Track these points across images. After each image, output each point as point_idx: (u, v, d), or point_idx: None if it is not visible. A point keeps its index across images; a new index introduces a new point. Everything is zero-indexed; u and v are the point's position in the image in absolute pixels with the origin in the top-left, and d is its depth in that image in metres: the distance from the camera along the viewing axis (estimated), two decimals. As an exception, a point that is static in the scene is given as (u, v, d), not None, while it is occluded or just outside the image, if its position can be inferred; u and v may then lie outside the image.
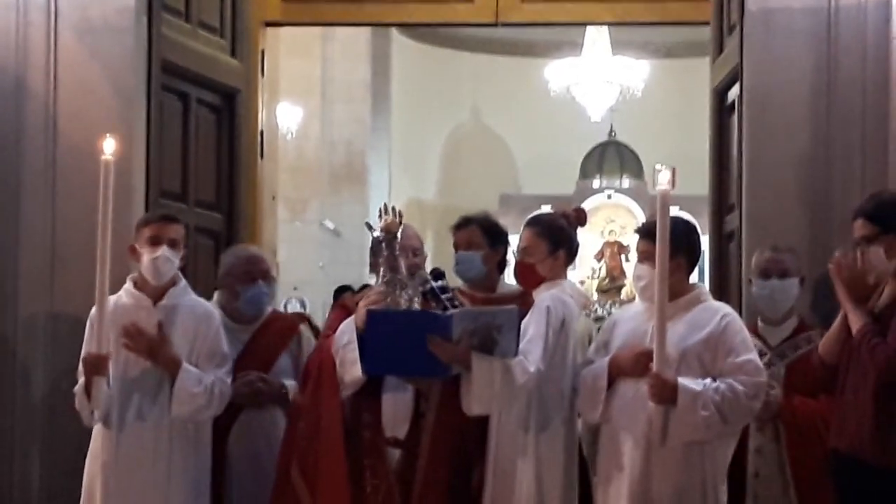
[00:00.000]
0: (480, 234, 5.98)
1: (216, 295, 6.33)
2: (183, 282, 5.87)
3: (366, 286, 6.08)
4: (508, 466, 5.55)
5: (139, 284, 5.81)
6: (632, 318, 5.61)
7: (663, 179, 5.14)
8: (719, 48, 7.76)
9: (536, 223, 5.85)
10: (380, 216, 5.64)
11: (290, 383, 6.20)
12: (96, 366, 5.51)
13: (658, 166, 5.19)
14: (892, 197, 5.42)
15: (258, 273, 6.29)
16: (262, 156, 8.51)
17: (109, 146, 5.50)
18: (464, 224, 6.05)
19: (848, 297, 5.22)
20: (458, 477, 5.70)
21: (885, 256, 5.24)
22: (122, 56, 6.92)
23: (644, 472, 5.31)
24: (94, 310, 5.57)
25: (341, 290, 11.70)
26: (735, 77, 7.14)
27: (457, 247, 6.04)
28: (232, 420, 6.06)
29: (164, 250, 5.73)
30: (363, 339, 5.51)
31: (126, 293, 5.81)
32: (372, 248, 5.75)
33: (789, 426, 5.81)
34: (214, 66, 7.77)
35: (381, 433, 5.71)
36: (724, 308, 5.54)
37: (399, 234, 5.62)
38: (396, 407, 5.73)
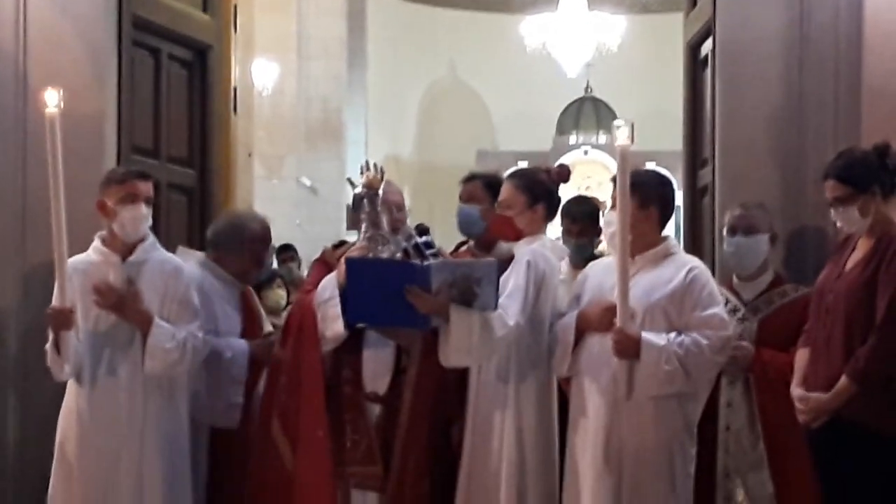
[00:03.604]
0: (482, 188, 6.02)
1: (197, 254, 6.34)
2: (151, 237, 5.84)
3: (343, 242, 6.10)
4: (488, 419, 5.58)
5: (107, 241, 5.78)
6: (602, 271, 5.60)
7: (622, 136, 5.13)
8: (693, 2, 7.74)
9: (517, 176, 5.86)
10: (361, 172, 5.68)
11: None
12: (61, 320, 5.51)
13: (617, 122, 5.20)
14: (861, 155, 5.41)
15: None
16: (235, 112, 8.48)
17: (52, 98, 5.45)
18: (469, 179, 6.12)
19: None
20: (439, 432, 5.76)
21: (859, 216, 5.25)
22: (93, 12, 6.85)
23: (611, 426, 5.32)
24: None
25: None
26: (708, 31, 7.13)
27: (460, 201, 6.08)
28: (257, 377, 6.14)
29: (143, 208, 5.73)
30: (344, 293, 5.51)
31: (94, 251, 5.78)
32: (353, 204, 5.77)
33: (759, 380, 5.83)
34: (186, 22, 7.71)
35: (362, 388, 5.75)
36: (692, 261, 5.53)
37: (381, 190, 5.63)
38: (377, 362, 5.76)
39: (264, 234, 6.43)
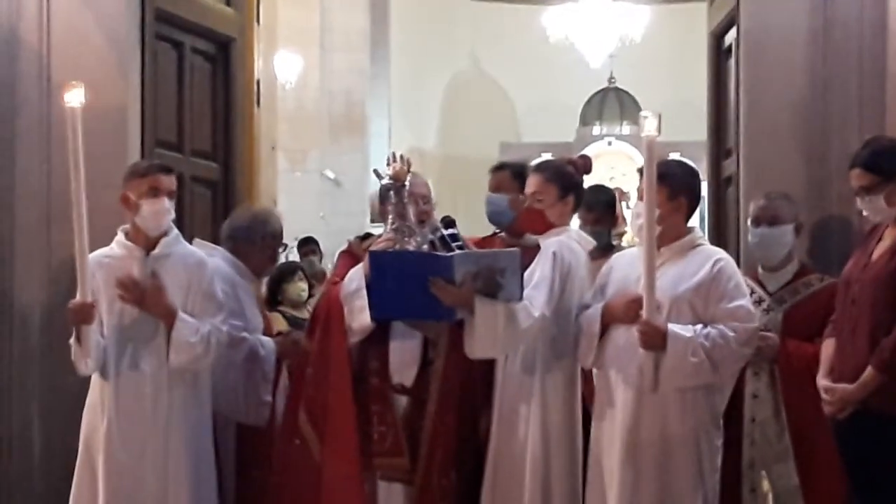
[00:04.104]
0: (511, 178, 6.02)
1: (219, 249, 6.34)
2: (175, 231, 5.84)
3: (369, 234, 6.11)
4: (514, 410, 5.58)
5: (130, 235, 5.79)
6: (628, 263, 5.56)
7: (650, 126, 5.10)
8: (716, -9, 7.72)
9: (545, 168, 5.82)
10: (388, 164, 5.67)
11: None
12: (82, 314, 5.52)
13: (644, 113, 5.15)
14: (889, 143, 5.39)
15: None
16: (258, 105, 8.48)
17: (74, 96, 5.46)
18: (497, 168, 6.13)
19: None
20: (466, 424, 5.75)
21: (885, 205, 5.22)
22: (116, 5, 6.87)
23: (636, 417, 5.29)
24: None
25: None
26: (732, 20, 7.11)
27: (489, 190, 6.09)
28: (278, 375, 6.18)
29: (166, 202, 5.73)
30: (369, 286, 5.52)
31: (118, 244, 5.78)
32: (380, 196, 5.77)
33: (784, 371, 5.81)
34: (209, 15, 7.73)
35: (389, 380, 5.75)
36: (718, 253, 5.49)
37: (407, 182, 5.63)
38: (404, 354, 5.76)
39: (282, 230, 6.46)
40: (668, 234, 5.34)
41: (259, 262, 6.35)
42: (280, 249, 6.50)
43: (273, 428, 6.08)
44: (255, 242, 6.31)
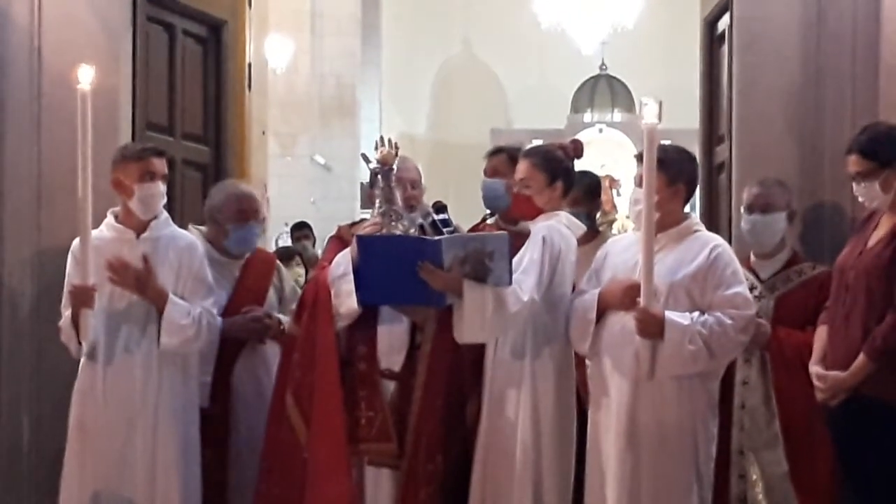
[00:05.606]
0: (507, 162, 5.99)
1: (202, 228, 6.31)
2: (164, 214, 5.85)
3: (362, 220, 6.08)
4: (504, 396, 5.57)
5: (120, 218, 5.79)
6: (623, 249, 5.56)
7: (650, 113, 5.08)
8: (709, -23, 7.70)
9: (534, 154, 5.80)
10: (376, 148, 5.66)
11: (283, 318, 6.25)
12: (83, 297, 5.52)
13: (644, 100, 5.13)
14: (886, 130, 5.37)
15: (250, 213, 6.31)
16: (249, 88, 8.46)
17: (86, 75, 5.45)
18: (495, 152, 6.10)
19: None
20: (454, 409, 5.73)
21: (881, 191, 5.22)
22: (107, -13, 6.86)
23: (632, 405, 5.28)
24: (75, 242, 5.59)
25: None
26: (725, 7, 7.09)
27: (485, 175, 6.07)
28: (236, 355, 6.12)
29: (161, 186, 5.74)
30: (357, 271, 5.51)
31: (107, 227, 5.80)
32: (369, 181, 5.76)
33: (775, 358, 5.81)
34: (200, -3, 7.71)
35: (376, 365, 5.73)
36: (715, 239, 5.47)
37: (395, 166, 5.62)
38: (391, 338, 5.74)
39: (227, 203, 6.27)
40: (665, 221, 5.33)
41: (221, 238, 6.24)
42: (228, 222, 6.26)
43: (225, 411, 6.08)
44: (210, 221, 6.26)
